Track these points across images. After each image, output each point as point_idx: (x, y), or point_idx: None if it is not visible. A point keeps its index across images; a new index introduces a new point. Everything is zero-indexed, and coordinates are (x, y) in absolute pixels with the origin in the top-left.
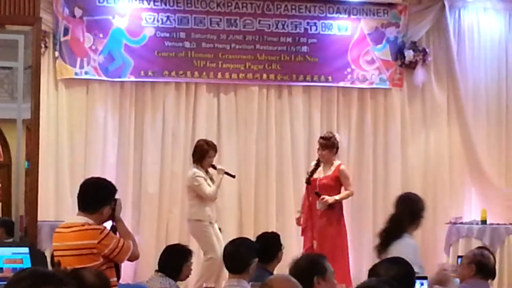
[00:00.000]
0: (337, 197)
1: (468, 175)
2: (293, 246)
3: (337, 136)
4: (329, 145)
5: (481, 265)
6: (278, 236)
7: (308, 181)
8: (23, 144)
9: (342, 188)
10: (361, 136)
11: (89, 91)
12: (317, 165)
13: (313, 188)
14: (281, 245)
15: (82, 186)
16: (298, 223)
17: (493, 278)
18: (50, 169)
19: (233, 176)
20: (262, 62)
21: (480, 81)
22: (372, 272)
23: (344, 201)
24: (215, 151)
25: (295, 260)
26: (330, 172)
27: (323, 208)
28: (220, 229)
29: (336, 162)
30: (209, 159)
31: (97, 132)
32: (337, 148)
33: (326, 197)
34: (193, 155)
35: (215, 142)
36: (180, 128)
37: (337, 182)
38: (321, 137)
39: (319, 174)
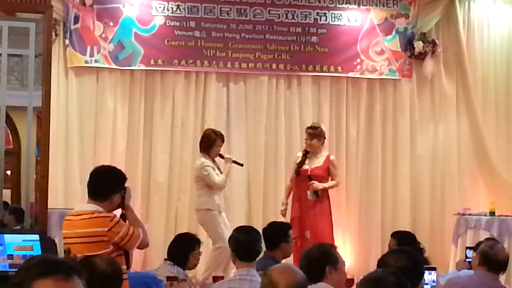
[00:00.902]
0: (326, 185)
1: (477, 166)
2: None
3: (323, 127)
4: (317, 134)
5: (486, 257)
6: (287, 224)
7: (298, 172)
8: (33, 132)
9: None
10: (370, 127)
11: (99, 79)
12: (305, 156)
13: (303, 178)
14: (288, 237)
15: (92, 174)
16: (284, 215)
17: (503, 271)
18: (60, 157)
19: (241, 165)
20: (272, 52)
21: (489, 73)
22: (381, 263)
23: (352, 192)
24: (223, 140)
25: (307, 250)
26: (320, 163)
27: (314, 198)
28: None
29: (325, 153)
30: (216, 148)
31: (107, 120)
32: (324, 138)
33: (316, 183)
34: (201, 144)
35: (224, 132)
36: (189, 117)
37: (328, 172)
38: (309, 127)
39: (310, 164)
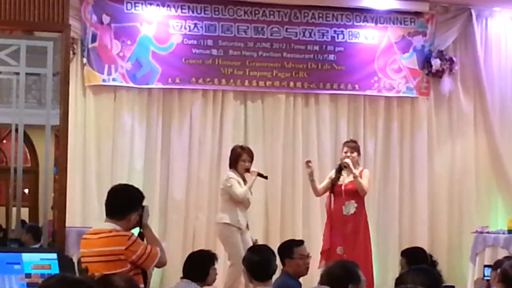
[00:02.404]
0: (357, 172)
1: (495, 184)
2: (319, 252)
3: None
4: (358, 148)
5: (505, 275)
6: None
7: (332, 189)
8: (51, 150)
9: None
10: (387, 145)
11: (117, 97)
12: (339, 172)
13: (337, 194)
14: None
15: (110, 193)
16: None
17: None
18: (77, 175)
19: (266, 177)
20: (289, 70)
21: (507, 91)
22: (399, 282)
23: (370, 210)
24: (250, 155)
25: (329, 267)
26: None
27: (350, 212)
28: (255, 240)
29: (360, 168)
30: (242, 162)
31: (124, 138)
32: (360, 153)
33: (351, 164)
34: (229, 159)
35: None
36: (206, 135)
37: None
38: (349, 141)
39: (343, 180)
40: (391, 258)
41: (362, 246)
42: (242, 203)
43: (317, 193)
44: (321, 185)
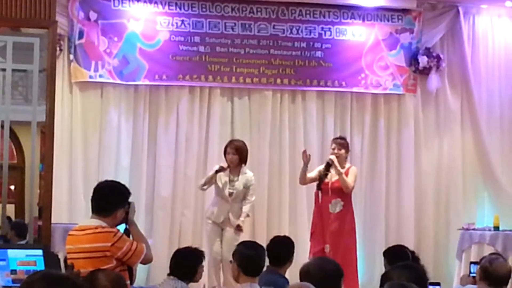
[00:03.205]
0: (342, 170)
1: (481, 181)
2: (306, 250)
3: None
4: (346, 145)
5: (486, 272)
6: (290, 239)
7: (319, 187)
8: (37, 147)
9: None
10: (374, 142)
11: (104, 94)
12: (327, 170)
13: (324, 192)
14: (293, 248)
15: (96, 189)
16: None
17: (505, 286)
18: (64, 171)
19: (219, 170)
20: (276, 67)
21: (494, 88)
22: (384, 277)
23: (356, 207)
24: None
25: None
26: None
27: (336, 211)
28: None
29: (348, 165)
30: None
31: (111, 135)
32: (349, 151)
33: (336, 160)
34: (245, 156)
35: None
36: (193, 132)
37: None
38: (338, 138)
39: (331, 177)
40: (377, 255)
41: (347, 244)
42: (218, 195)
43: (303, 181)
44: (309, 174)
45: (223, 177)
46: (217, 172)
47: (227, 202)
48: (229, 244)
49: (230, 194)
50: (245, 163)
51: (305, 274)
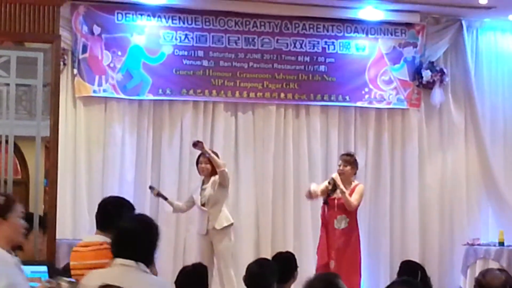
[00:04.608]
0: (344, 190)
1: (485, 196)
2: (311, 265)
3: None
4: (352, 162)
5: (480, 285)
6: (293, 255)
7: (326, 201)
8: (41, 162)
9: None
10: (378, 156)
11: (107, 109)
12: (334, 186)
13: (330, 207)
14: (296, 264)
15: (101, 205)
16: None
17: None
18: (68, 186)
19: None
20: (280, 81)
21: (497, 102)
22: None
23: (361, 222)
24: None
25: (309, 281)
26: (348, 192)
27: (341, 227)
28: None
29: (355, 182)
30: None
31: (115, 150)
32: (357, 168)
33: (339, 178)
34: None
35: (232, 161)
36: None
37: None
38: (344, 154)
39: (338, 193)
40: (382, 270)
41: (351, 261)
42: (197, 208)
43: (310, 197)
44: (317, 187)
45: (197, 191)
46: (157, 194)
47: (204, 212)
48: (220, 250)
49: (203, 204)
50: (215, 174)
51: None
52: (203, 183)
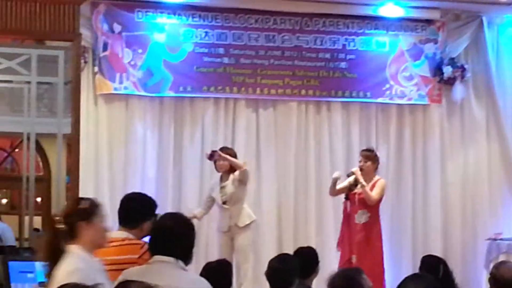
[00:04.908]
0: (365, 184)
1: (508, 191)
2: (333, 261)
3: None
4: (372, 157)
5: (494, 278)
6: (315, 250)
7: (347, 196)
8: (63, 159)
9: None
10: (399, 152)
11: (128, 106)
12: (355, 181)
13: (352, 202)
14: (318, 259)
15: (123, 201)
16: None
17: None
18: (90, 183)
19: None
20: (301, 78)
21: None
22: None
23: (383, 218)
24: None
25: (331, 278)
26: (369, 186)
27: (362, 221)
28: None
29: (376, 177)
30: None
31: (136, 147)
32: (378, 163)
33: (358, 172)
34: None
35: (253, 158)
36: (219, 144)
37: None
38: (364, 149)
39: (359, 188)
40: (404, 266)
41: (373, 256)
42: (217, 206)
43: (333, 193)
44: (339, 186)
45: (215, 191)
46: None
47: (225, 209)
48: (241, 247)
49: (224, 202)
50: (234, 171)
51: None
52: (221, 180)
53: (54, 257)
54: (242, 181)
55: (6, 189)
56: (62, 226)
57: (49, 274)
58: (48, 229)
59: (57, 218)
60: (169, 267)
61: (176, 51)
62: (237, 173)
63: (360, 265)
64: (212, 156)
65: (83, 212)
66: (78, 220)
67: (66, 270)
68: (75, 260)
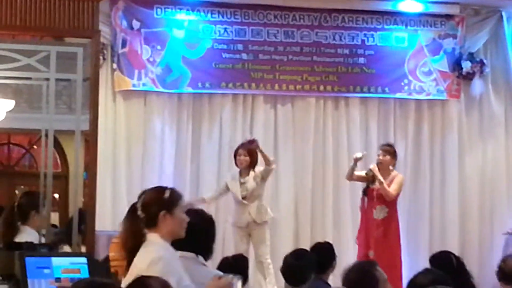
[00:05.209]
0: (383, 181)
1: None
2: (350, 255)
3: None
4: (392, 152)
5: (501, 271)
6: (332, 245)
7: (365, 192)
8: (81, 155)
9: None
10: (418, 148)
11: (147, 102)
12: (373, 176)
13: (370, 198)
14: (334, 254)
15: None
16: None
17: None
18: (107, 180)
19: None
20: (319, 74)
21: None
22: (412, 284)
23: (400, 213)
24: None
25: (346, 271)
26: (387, 182)
27: (380, 217)
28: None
29: (394, 173)
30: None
31: (155, 143)
32: (396, 159)
33: (376, 169)
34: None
35: (272, 153)
36: (237, 140)
37: None
38: (384, 144)
39: (377, 184)
40: (421, 261)
41: (391, 251)
42: (235, 201)
43: (350, 177)
44: (357, 172)
45: (233, 184)
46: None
47: (244, 205)
48: (260, 242)
49: (244, 197)
50: (254, 168)
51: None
52: (240, 175)
53: (134, 245)
54: (264, 178)
55: (24, 185)
56: (142, 214)
57: (129, 262)
58: (129, 217)
59: (137, 206)
60: (190, 262)
61: (195, 47)
62: (260, 169)
63: (378, 260)
64: (252, 141)
65: (165, 202)
66: (159, 210)
67: (149, 258)
68: (158, 248)
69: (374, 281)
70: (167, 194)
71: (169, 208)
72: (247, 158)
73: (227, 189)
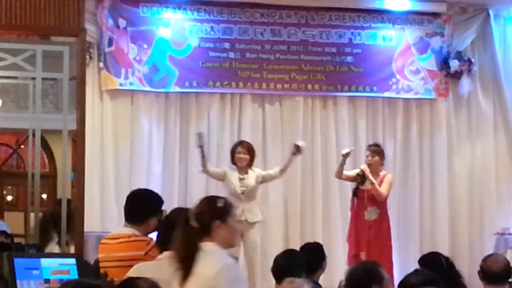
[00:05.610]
0: (374, 181)
1: None
2: (340, 255)
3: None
4: (379, 152)
5: (482, 271)
6: (322, 246)
7: (355, 193)
8: (69, 155)
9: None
10: (406, 147)
11: (134, 101)
12: (363, 177)
13: (360, 199)
14: (324, 254)
15: (129, 197)
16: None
17: (505, 282)
18: (96, 180)
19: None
20: (307, 73)
21: None
22: (403, 285)
23: (390, 213)
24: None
25: (352, 269)
26: (377, 182)
27: (372, 218)
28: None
29: (383, 172)
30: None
31: (142, 142)
32: (384, 158)
33: (368, 171)
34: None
35: (260, 153)
36: (225, 139)
37: None
38: (372, 145)
39: (367, 185)
40: (412, 261)
41: (382, 252)
42: (231, 195)
43: (339, 176)
44: (346, 172)
45: (233, 177)
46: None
47: (240, 200)
48: (256, 246)
49: (243, 192)
50: (251, 165)
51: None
52: (239, 173)
53: (188, 254)
54: (264, 182)
55: (12, 185)
56: (195, 224)
57: (186, 271)
58: (182, 228)
59: (190, 216)
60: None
61: (181, 46)
62: (263, 173)
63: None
64: (299, 149)
65: (219, 211)
66: (213, 219)
67: (216, 266)
68: (221, 257)
69: (379, 279)
70: (220, 203)
71: (222, 217)
72: (247, 156)
73: (223, 177)
